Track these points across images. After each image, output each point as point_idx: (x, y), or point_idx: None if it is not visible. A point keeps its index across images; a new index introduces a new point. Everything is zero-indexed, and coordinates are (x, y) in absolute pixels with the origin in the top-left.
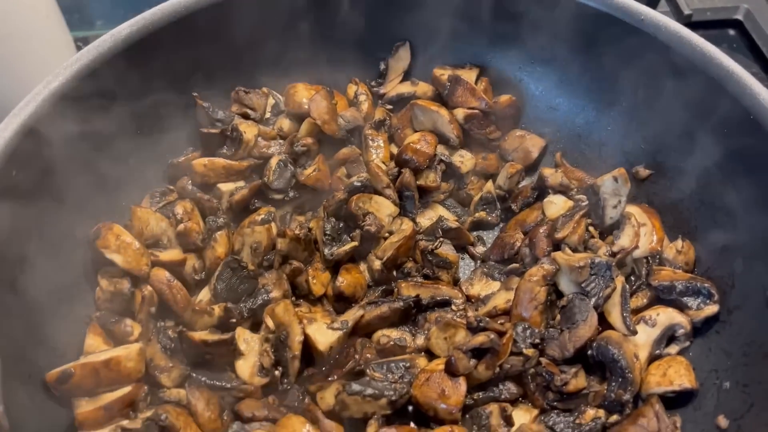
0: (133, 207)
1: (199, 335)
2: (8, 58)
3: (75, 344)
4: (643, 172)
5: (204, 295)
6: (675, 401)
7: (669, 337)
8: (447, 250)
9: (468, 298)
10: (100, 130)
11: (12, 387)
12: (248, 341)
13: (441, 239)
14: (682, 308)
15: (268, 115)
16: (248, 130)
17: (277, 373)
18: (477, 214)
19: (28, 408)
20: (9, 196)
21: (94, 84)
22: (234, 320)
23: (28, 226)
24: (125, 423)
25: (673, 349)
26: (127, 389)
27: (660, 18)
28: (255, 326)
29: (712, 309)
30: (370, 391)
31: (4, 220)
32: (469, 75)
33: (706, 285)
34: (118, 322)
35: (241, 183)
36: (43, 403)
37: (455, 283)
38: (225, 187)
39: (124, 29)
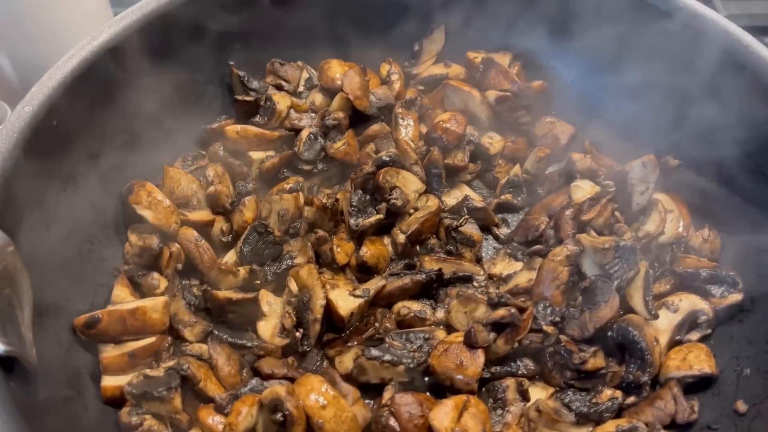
0: (166, 167)
1: (224, 293)
2: (53, 23)
3: (103, 294)
4: (673, 161)
5: (230, 257)
6: (694, 387)
7: (691, 323)
8: (471, 228)
9: (490, 277)
10: (136, 93)
11: (42, 329)
12: (271, 303)
13: (466, 217)
14: (705, 296)
15: (301, 88)
16: (281, 101)
17: (297, 335)
18: (503, 197)
19: (55, 350)
20: (48, 145)
21: (134, 45)
22: (258, 282)
23: (65, 176)
24: (148, 371)
25: (695, 335)
26: (151, 339)
27: (697, 6)
28: (277, 291)
29: (736, 297)
30: (388, 357)
31: (43, 167)
32: (502, 59)
33: (731, 273)
34: (146, 276)
35: (272, 152)
36: (70, 346)
37: (478, 261)
38: (255, 155)
39: None
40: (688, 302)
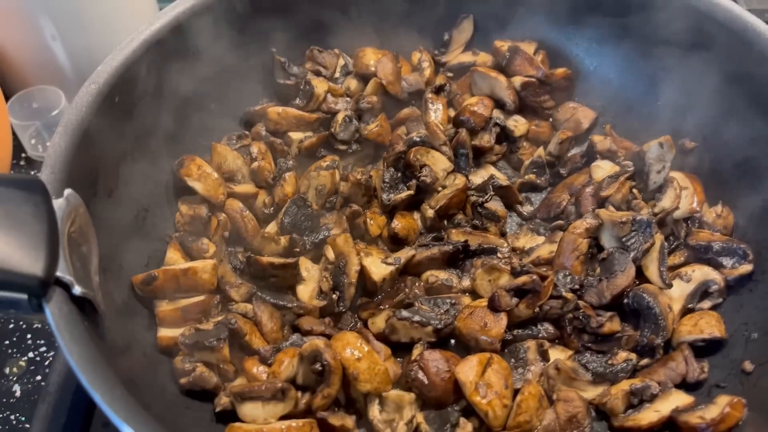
0: (214, 143)
1: (267, 259)
2: (104, 16)
3: (156, 258)
4: (689, 144)
5: (271, 227)
6: (705, 350)
7: (703, 292)
8: (496, 204)
9: (513, 249)
10: (187, 76)
11: (104, 284)
12: (309, 269)
13: (491, 194)
14: (717, 267)
15: (337, 74)
16: (319, 86)
17: (334, 297)
18: (527, 177)
19: (116, 305)
20: (111, 118)
21: (183, 35)
22: (298, 250)
23: (125, 150)
24: (199, 325)
25: (706, 304)
26: (201, 297)
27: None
28: (314, 260)
29: (746, 268)
30: (417, 318)
31: (104, 140)
32: (527, 47)
33: (742, 246)
34: (195, 241)
35: (310, 133)
36: (129, 300)
37: (502, 235)
38: (295, 135)
39: None
40: (700, 273)
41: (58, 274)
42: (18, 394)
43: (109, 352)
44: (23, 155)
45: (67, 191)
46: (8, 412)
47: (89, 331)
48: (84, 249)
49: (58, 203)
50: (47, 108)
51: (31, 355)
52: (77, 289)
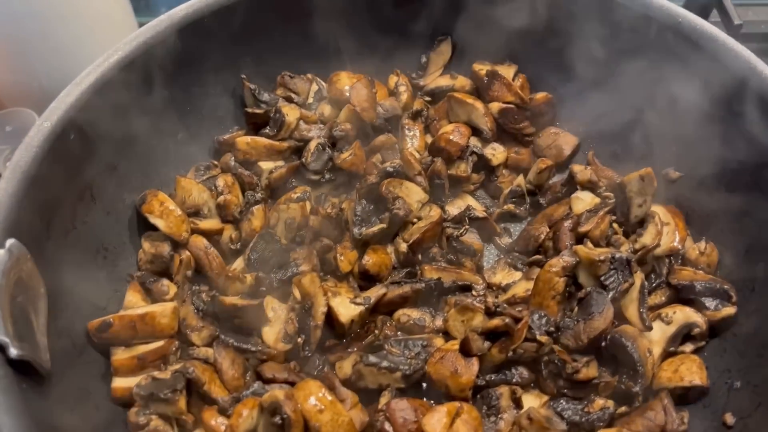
0: (178, 177)
1: (231, 300)
2: (78, 34)
3: (116, 299)
4: (674, 174)
5: (238, 264)
6: (685, 398)
7: (684, 335)
8: (472, 237)
9: (489, 286)
10: (151, 105)
11: (56, 332)
12: (276, 309)
13: (467, 227)
14: (700, 308)
15: (311, 100)
16: (291, 113)
17: (300, 340)
18: (506, 207)
19: (69, 353)
20: (67, 157)
21: (149, 61)
22: (264, 289)
23: (82, 187)
24: (156, 373)
25: (688, 347)
26: (160, 343)
27: (696, 21)
28: (283, 297)
29: (729, 311)
30: (386, 363)
31: (60, 178)
32: (507, 71)
33: (725, 287)
34: (157, 282)
35: (281, 162)
36: (84, 348)
37: (478, 270)
38: (265, 165)
39: (181, 11)
40: (681, 314)
41: None
42: None
43: (54, 413)
44: None
45: (10, 242)
46: None
47: (27, 397)
48: (27, 305)
49: None
50: (22, 130)
51: None
52: (13, 351)
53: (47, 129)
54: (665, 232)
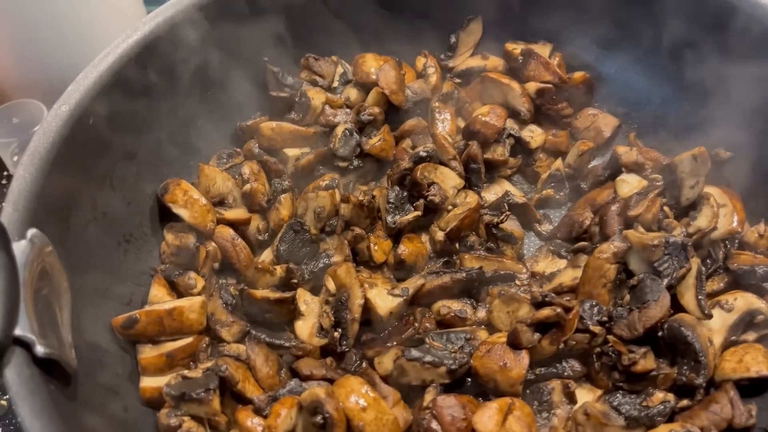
0: (201, 164)
1: (261, 293)
2: (87, 22)
3: (139, 294)
4: (724, 154)
5: (266, 255)
6: (750, 389)
7: (747, 323)
8: (512, 225)
9: (533, 275)
10: (171, 90)
11: (80, 330)
12: (308, 302)
13: (507, 213)
14: (762, 294)
15: (336, 83)
16: (316, 97)
17: (336, 335)
18: (544, 192)
19: (95, 351)
20: (86, 143)
21: (167, 44)
22: (295, 281)
23: (101, 175)
24: (186, 372)
25: (751, 335)
26: (188, 339)
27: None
28: (314, 290)
29: None
30: (429, 358)
31: (79, 166)
32: (542, 50)
33: None
34: (182, 275)
35: (307, 149)
36: (109, 347)
37: (520, 259)
38: (291, 152)
39: None
40: (743, 301)
41: (18, 333)
42: None
43: (82, 415)
44: (5, 173)
45: (31, 231)
46: None
47: (54, 399)
48: (52, 299)
49: (20, 247)
50: (29, 123)
51: None
52: (40, 350)
53: (65, 113)
54: (722, 214)
